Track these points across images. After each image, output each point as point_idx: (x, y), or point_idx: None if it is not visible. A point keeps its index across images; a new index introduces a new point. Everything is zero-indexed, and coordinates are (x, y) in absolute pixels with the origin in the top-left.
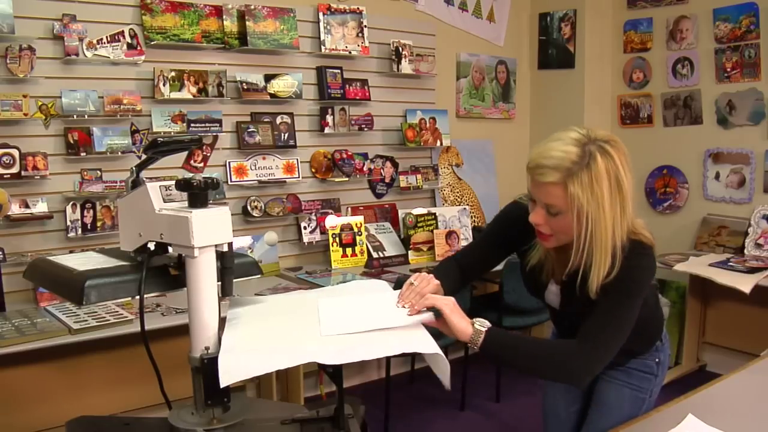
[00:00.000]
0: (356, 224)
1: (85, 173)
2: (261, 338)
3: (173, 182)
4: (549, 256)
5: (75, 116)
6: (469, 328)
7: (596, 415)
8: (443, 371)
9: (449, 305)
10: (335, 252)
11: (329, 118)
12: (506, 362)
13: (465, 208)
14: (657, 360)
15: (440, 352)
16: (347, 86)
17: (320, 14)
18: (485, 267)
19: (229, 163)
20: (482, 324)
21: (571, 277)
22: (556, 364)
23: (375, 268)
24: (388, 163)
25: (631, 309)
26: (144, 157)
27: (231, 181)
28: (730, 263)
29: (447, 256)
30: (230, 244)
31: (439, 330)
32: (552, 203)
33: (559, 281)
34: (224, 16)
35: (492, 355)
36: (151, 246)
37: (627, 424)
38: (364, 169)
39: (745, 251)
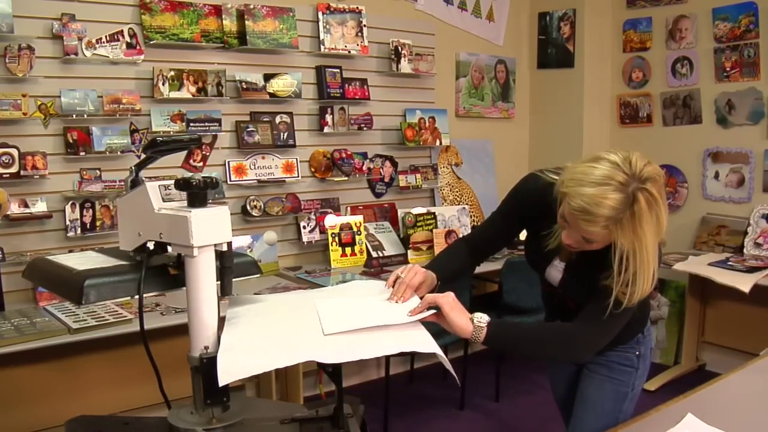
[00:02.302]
0: (355, 224)
1: (85, 173)
2: (260, 337)
3: (172, 182)
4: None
5: (74, 116)
6: (470, 325)
7: (581, 410)
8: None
9: (449, 302)
10: (334, 251)
11: (328, 118)
12: (511, 351)
13: (464, 208)
14: (637, 353)
15: (439, 351)
16: (346, 86)
17: (319, 13)
18: (505, 242)
19: (228, 162)
20: (481, 320)
21: (581, 255)
22: (560, 348)
23: (374, 268)
24: (388, 163)
25: None
26: (143, 156)
27: (230, 181)
28: (730, 262)
29: (460, 237)
30: (229, 244)
31: (441, 328)
32: (592, 239)
33: (566, 258)
34: (223, 16)
35: (496, 347)
36: (151, 245)
37: (626, 424)
38: (364, 168)
39: (745, 251)
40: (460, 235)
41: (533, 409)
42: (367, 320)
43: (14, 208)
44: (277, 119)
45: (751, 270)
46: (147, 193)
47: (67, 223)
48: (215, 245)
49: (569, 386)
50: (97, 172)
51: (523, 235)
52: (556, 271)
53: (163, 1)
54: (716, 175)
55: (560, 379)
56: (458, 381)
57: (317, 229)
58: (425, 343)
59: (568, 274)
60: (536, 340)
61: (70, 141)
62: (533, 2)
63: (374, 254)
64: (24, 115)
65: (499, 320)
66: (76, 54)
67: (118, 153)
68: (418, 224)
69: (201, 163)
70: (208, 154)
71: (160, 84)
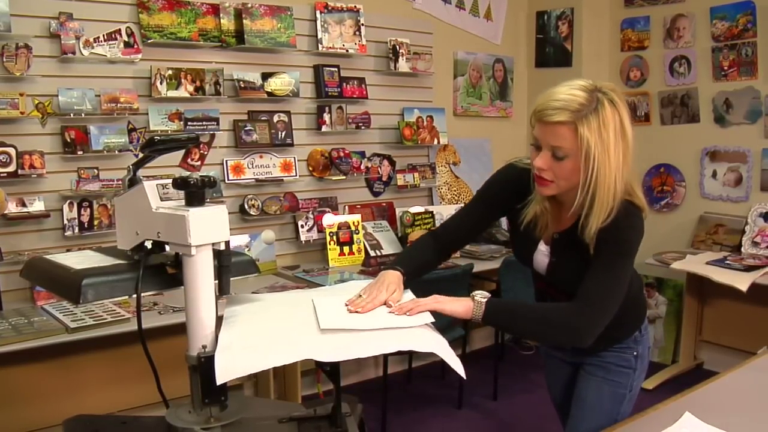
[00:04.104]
0: (353, 222)
1: (82, 172)
2: (258, 336)
3: (170, 181)
4: (544, 211)
5: (72, 115)
6: (469, 303)
7: (578, 412)
8: (452, 362)
9: (434, 300)
10: (332, 250)
11: (326, 117)
12: (508, 329)
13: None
14: (635, 353)
15: (437, 350)
16: (344, 84)
17: (317, 12)
18: (476, 233)
19: (226, 161)
20: (482, 297)
21: (563, 234)
22: (558, 326)
23: (372, 267)
24: (386, 162)
25: (625, 269)
26: (141, 155)
27: (228, 180)
28: (727, 261)
29: (427, 232)
30: (227, 243)
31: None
32: (560, 145)
33: (549, 241)
34: (221, 15)
35: (494, 323)
36: (148, 244)
37: (624, 422)
38: (362, 167)
39: (742, 249)
40: None
41: (531, 408)
42: (364, 322)
43: (12, 208)
44: (275, 118)
45: (749, 269)
46: (145, 192)
47: (65, 222)
48: (213, 244)
49: (566, 387)
50: (95, 171)
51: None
52: (542, 256)
53: None
54: (714, 174)
55: (557, 380)
56: (464, 376)
57: (315, 228)
58: (424, 342)
59: (554, 256)
60: (536, 318)
61: (68, 140)
62: (531, 1)
63: (372, 253)
64: (21, 114)
65: (499, 298)
66: (73, 53)
67: (116, 152)
68: (416, 223)
69: (199, 162)
70: (205, 153)
71: (158, 83)
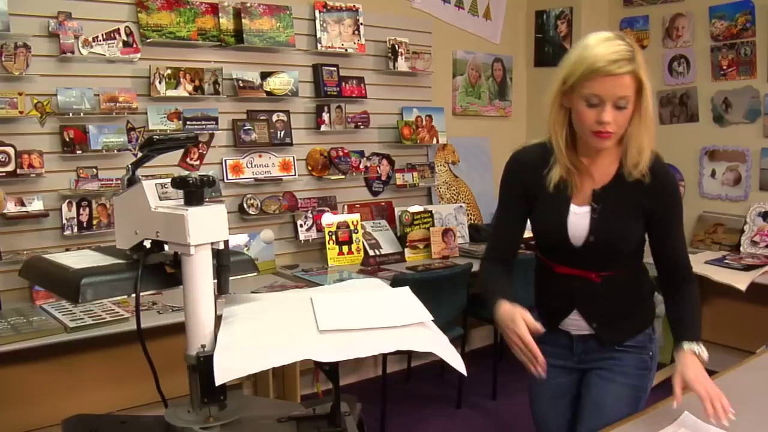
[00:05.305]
0: (352, 222)
1: (81, 171)
2: (257, 336)
3: (169, 180)
4: (572, 172)
5: (71, 114)
6: (694, 358)
7: (595, 420)
8: (453, 360)
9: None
10: (331, 250)
11: (325, 116)
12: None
13: (461, 206)
14: (651, 353)
15: (435, 350)
16: (343, 84)
17: (316, 12)
18: (522, 230)
19: (225, 160)
20: (700, 348)
21: (606, 187)
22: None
23: (371, 266)
24: (385, 161)
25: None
26: (140, 155)
27: (227, 179)
28: (726, 260)
29: (483, 263)
30: (226, 242)
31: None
32: (625, 94)
33: (587, 199)
34: (220, 14)
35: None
36: (147, 244)
37: (623, 422)
38: (361, 166)
39: (741, 249)
40: (457, 234)
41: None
42: (363, 322)
43: (11, 207)
44: (274, 117)
45: (748, 268)
46: (144, 191)
47: (64, 221)
48: (212, 243)
49: (555, 399)
50: (94, 170)
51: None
52: (579, 218)
53: None
54: (713, 174)
55: (544, 391)
56: (465, 374)
57: (314, 228)
58: (422, 341)
59: (596, 212)
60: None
61: (67, 139)
62: (530, 0)
63: (371, 252)
64: (20, 113)
65: (685, 328)
66: (72, 52)
67: (115, 151)
68: (415, 222)
69: (198, 162)
70: (204, 152)
71: (157, 82)
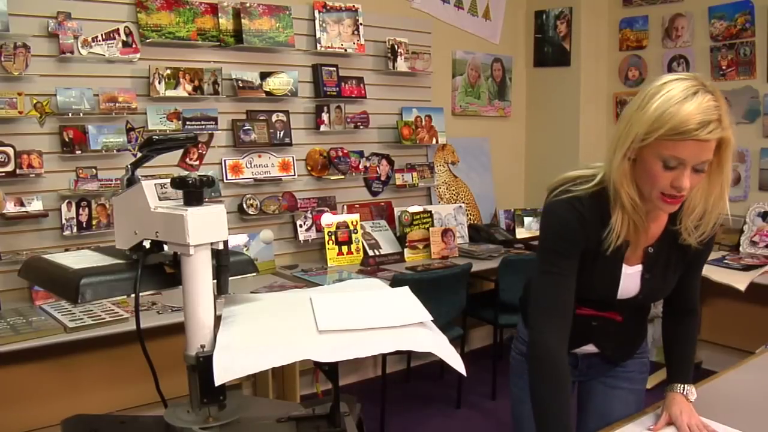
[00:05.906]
0: (352, 222)
1: (81, 171)
2: (257, 336)
3: (168, 180)
4: (631, 233)
5: (70, 114)
6: (681, 397)
7: (598, 424)
8: (452, 360)
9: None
10: (331, 250)
11: (325, 116)
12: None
13: (461, 206)
14: (648, 356)
15: (435, 350)
16: (343, 84)
17: (316, 12)
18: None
19: (224, 161)
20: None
21: (657, 244)
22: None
23: (371, 266)
24: (384, 161)
25: None
26: (139, 155)
27: (226, 179)
28: (726, 261)
29: (539, 348)
30: (226, 242)
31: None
32: (707, 158)
33: (640, 258)
34: (219, 14)
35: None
36: (147, 244)
37: (623, 422)
38: (360, 166)
39: (741, 249)
40: (456, 234)
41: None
42: (362, 322)
43: (10, 207)
44: (274, 118)
45: (747, 268)
46: (143, 191)
47: (63, 221)
48: (211, 244)
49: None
50: (93, 170)
51: None
52: (631, 278)
53: None
54: None
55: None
56: (465, 374)
57: (314, 228)
58: (422, 341)
59: (648, 271)
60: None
61: (66, 140)
62: (529, 0)
63: (371, 253)
64: (20, 113)
65: (679, 364)
66: (71, 52)
67: (114, 151)
68: (415, 222)
69: (197, 162)
70: (204, 152)
71: (156, 82)
